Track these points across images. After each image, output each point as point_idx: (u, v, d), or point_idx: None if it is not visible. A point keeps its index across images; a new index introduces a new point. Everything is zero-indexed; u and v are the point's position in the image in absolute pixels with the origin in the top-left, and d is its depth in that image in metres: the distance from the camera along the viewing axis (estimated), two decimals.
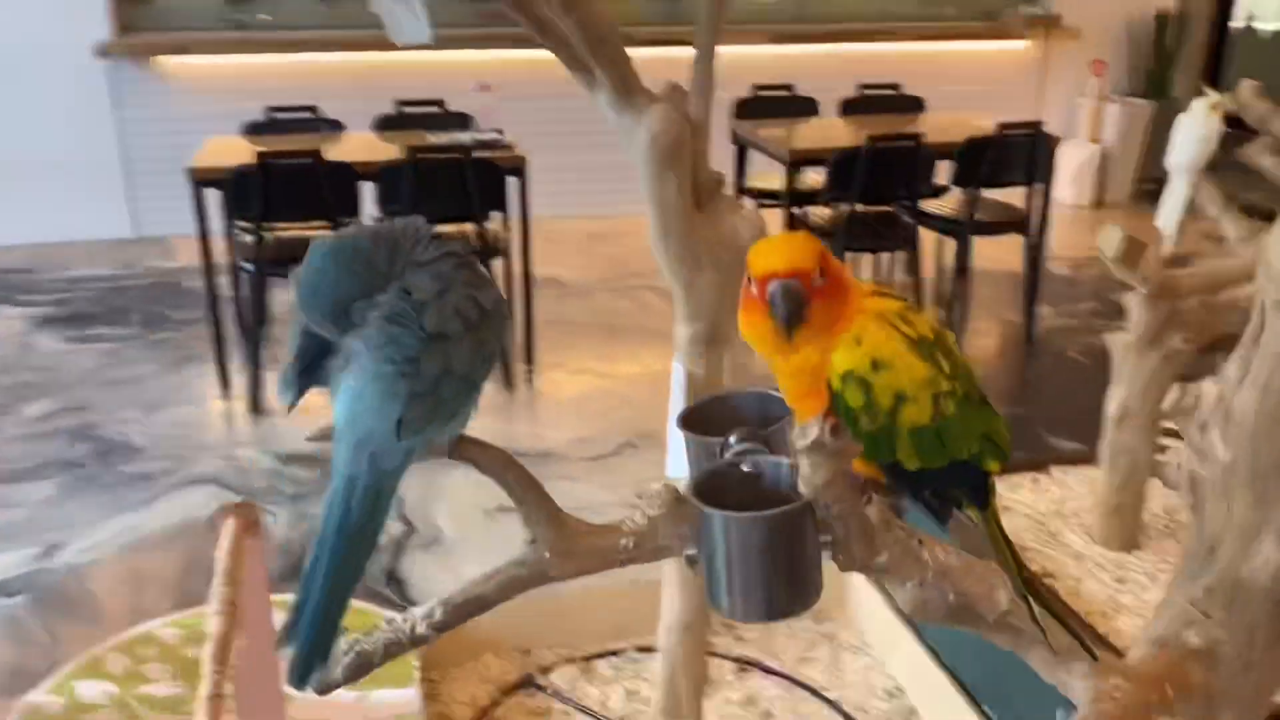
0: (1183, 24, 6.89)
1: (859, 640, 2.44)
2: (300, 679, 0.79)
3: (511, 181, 3.85)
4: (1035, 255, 4.34)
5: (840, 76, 5.26)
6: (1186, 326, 1.75)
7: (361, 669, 0.76)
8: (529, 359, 4.14)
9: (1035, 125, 4.10)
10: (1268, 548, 0.75)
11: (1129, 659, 0.83)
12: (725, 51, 1.69)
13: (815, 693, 2.27)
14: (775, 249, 0.83)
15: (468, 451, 0.83)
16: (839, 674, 2.33)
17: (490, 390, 3.95)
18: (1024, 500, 2.29)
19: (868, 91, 5.00)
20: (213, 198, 3.67)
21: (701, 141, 1.69)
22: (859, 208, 4.00)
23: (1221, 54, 7.62)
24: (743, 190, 4.74)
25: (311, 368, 0.83)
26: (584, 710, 2.20)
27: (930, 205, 4.26)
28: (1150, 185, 7.19)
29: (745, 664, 2.35)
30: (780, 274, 0.81)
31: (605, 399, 3.89)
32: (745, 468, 0.77)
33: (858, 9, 6.50)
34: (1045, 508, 2.25)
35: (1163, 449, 1.91)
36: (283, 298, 4.72)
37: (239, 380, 3.88)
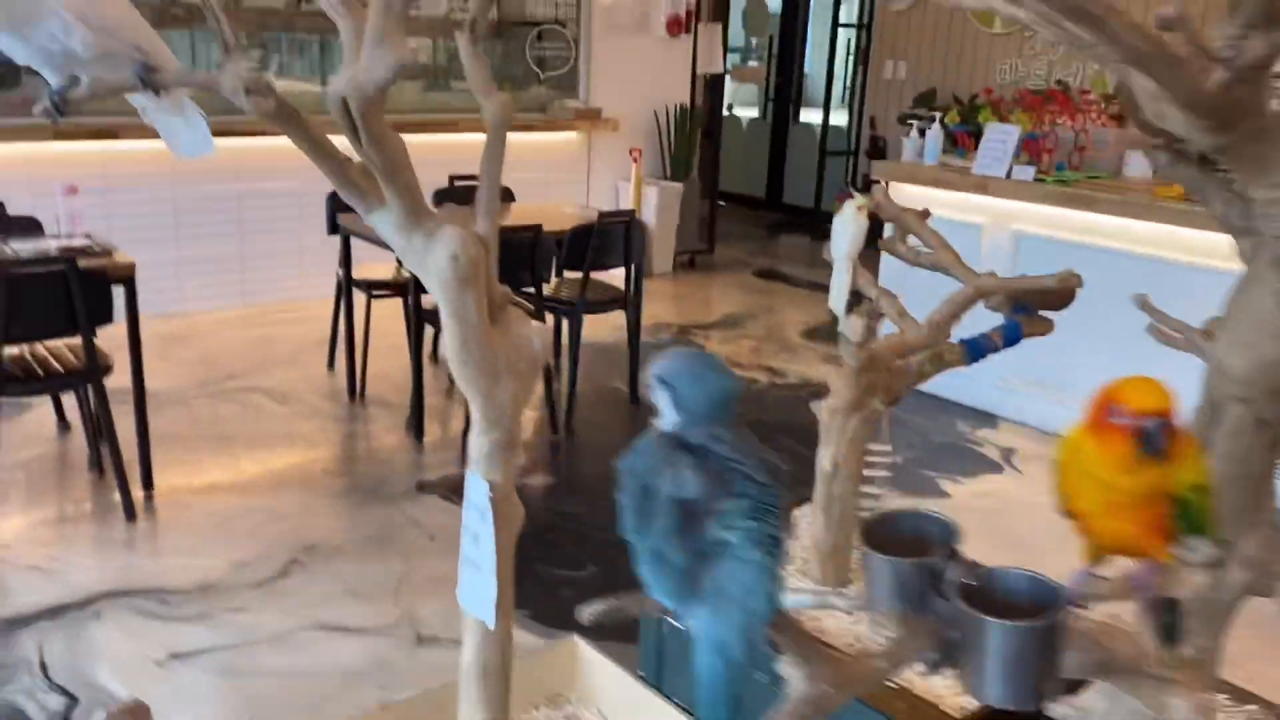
0: (693, 115, 7.92)
1: (598, 715, 2.54)
2: None
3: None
4: (635, 327, 4.77)
5: (416, 167, 5.38)
6: (879, 390, 2.12)
7: None
8: (147, 484, 3.74)
9: (629, 214, 4.53)
10: None
11: None
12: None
13: None
14: (1153, 391, 1.03)
15: None
16: None
17: (104, 528, 3.50)
18: None
19: (460, 183, 5.18)
20: None
21: (491, 260, 1.74)
22: None
23: (717, 136, 8.84)
24: (352, 283, 4.67)
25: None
26: None
27: (546, 289, 4.52)
28: (685, 256, 8.13)
29: None
30: (1158, 413, 1.02)
31: (249, 516, 3.63)
32: (972, 581, 0.93)
33: (413, 101, 6.69)
34: None
35: (865, 496, 2.26)
36: None
37: None
